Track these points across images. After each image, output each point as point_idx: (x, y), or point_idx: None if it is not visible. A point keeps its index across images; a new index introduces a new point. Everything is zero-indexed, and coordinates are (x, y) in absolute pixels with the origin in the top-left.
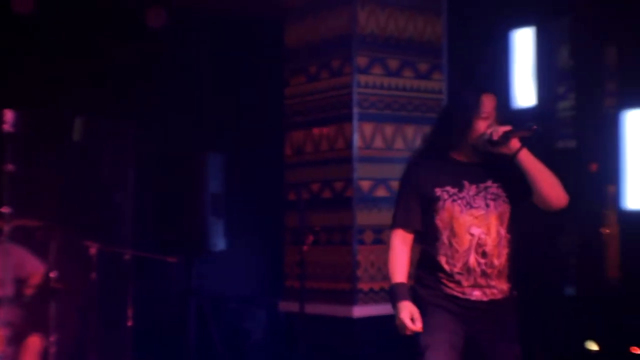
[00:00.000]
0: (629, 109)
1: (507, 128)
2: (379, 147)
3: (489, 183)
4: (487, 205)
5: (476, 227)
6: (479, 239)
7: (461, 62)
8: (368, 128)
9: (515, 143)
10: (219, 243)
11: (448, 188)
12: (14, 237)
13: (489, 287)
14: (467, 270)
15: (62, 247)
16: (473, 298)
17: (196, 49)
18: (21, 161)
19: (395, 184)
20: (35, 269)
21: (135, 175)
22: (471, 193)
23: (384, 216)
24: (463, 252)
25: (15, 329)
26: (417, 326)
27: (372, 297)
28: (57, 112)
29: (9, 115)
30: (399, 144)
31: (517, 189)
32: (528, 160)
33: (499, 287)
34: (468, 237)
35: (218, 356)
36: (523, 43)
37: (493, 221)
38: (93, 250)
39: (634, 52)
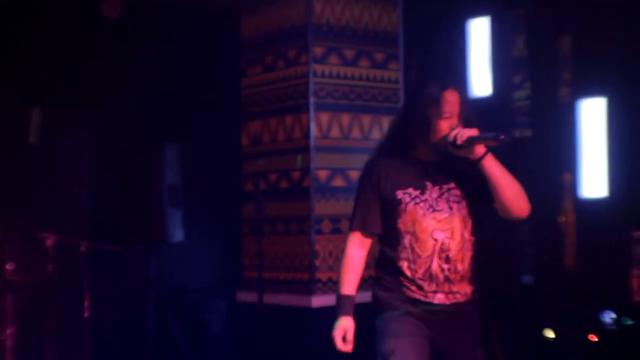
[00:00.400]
0: (584, 98)
1: (473, 132)
2: (336, 137)
3: (452, 184)
4: (451, 208)
5: (439, 231)
6: (443, 243)
7: (417, 52)
8: (325, 117)
9: (479, 148)
10: (177, 234)
11: (410, 190)
12: None
13: (452, 292)
14: (430, 276)
15: (19, 239)
16: (436, 301)
17: (153, 39)
18: None
19: (352, 174)
20: None
21: (93, 166)
22: (434, 195)
23: (342, 206)
24: (426, 257)
25: None
26: (347, 348)
27: (331, 286)
28: (13, 103)
29: None
30: (355, 133)
31: (481, 191)
32: (492, 167)
33: (462, 291)
34: (431, 242)
35: (177, 348)
36: (479, 33)
37: (457, 224)
38: (50, 242)
39: (589, 42)
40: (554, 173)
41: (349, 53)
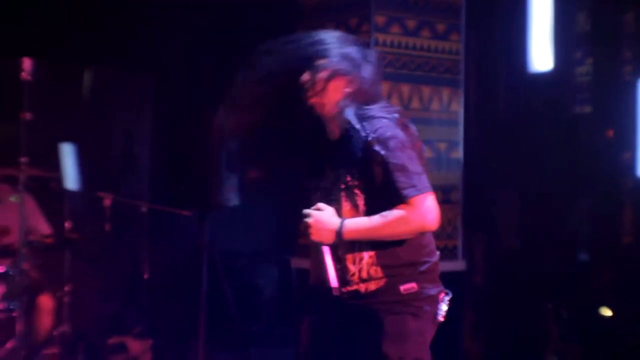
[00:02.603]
0: None
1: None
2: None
3: (342, 170)
4: (339, 199)
5: None
6: None
7: (479, 24)
8: (385, 87)
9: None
10: (233, 198)
11: (313, 176)
12: (29, 187)
13: (351, 291)
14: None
15: (77, 198)
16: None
17: (214, 5)
18: (39, 110)
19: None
20: (36, 227)
21: (153, 127)
22: (329, 182)
23: None
24: (321, 253)
25: (30, 278)
26: None
27: None
28: (75, 63)
29: (27, 63)
30: (415, 103)
31: (371, 182)
32: None
33: (363, 289)
34: None
35: (229, 311)
36: (541, 6)
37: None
38: (107, 202)
39: None
40: (614, 150)
41: (411, 23)
